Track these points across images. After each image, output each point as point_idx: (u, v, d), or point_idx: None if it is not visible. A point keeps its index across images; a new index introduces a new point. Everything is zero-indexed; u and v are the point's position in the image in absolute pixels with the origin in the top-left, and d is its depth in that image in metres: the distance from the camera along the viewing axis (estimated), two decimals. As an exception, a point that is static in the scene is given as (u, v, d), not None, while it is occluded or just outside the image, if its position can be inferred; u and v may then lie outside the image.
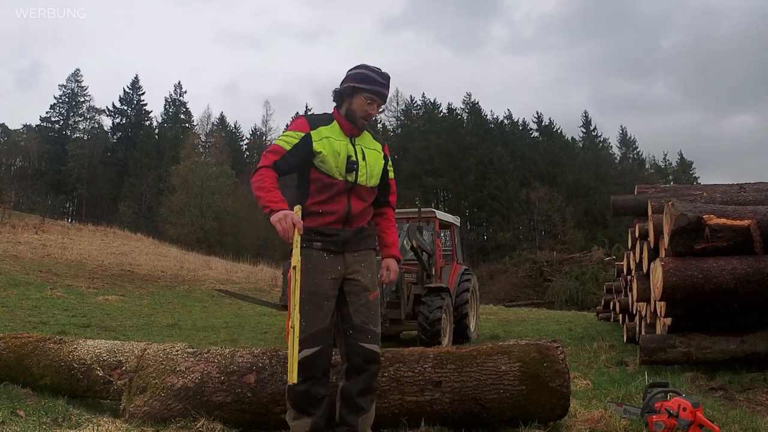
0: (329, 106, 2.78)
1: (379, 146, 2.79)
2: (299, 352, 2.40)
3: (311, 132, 2.62)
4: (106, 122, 58.96)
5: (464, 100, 60.51)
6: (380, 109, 2.72)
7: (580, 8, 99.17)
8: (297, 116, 2.89)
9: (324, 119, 2.70)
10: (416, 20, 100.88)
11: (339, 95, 2.69)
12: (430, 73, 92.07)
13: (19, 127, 57.96)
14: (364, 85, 2.61)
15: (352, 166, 2.61)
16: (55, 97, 58.03)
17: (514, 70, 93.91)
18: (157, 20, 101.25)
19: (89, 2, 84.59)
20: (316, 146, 2.59)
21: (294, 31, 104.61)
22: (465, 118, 58.87)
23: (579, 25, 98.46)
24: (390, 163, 2.87)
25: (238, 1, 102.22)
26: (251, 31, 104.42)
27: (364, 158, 2.67)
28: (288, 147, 2.61)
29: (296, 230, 2.42)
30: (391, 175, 2.87)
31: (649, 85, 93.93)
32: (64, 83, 57.71)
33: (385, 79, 2.65)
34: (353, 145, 2.67)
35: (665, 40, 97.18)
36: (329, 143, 2.60)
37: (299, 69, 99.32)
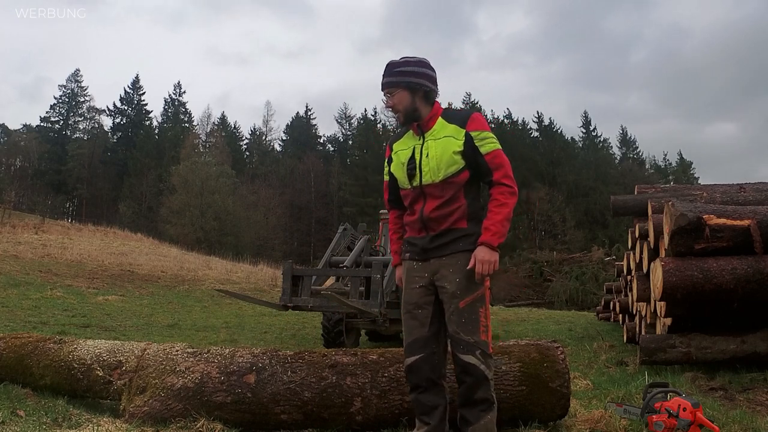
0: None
1: (453, 127, 2.52)
2: (404, 361, 2.57)
3: (391, 154, 2.69)
4: (106, 122, 59.07)
5: (464, 100, 60.60)
6: (392, 95, 2.55)
7: (549, 27, 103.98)
8: None
9: (400, 132, 2.72)
10: (393, 41, 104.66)
11: None
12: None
13: (19, 127, 58.06)
14: None
15: (410, 171, 2.55)
16: (55, 97, 58.14)
17: (493, 84, 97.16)
18: (149, 39, 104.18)
19: (89, 3, 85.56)
20: (391, 167, 2.68)
21: (280, 52, 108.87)
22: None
23: (549, 43, 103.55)
24: (481, 135, 2.49)
25: (225, 25, 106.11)
26: (239, 51, 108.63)
27: (427, 155, 2.51)
28: (387, 177, 2.74)
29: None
30: (487, 148, 2.48)
31: (623, 98, 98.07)
32: (64, 83, 57.81)
33: (385, 67, 2.60)
34: (422, 144, 2.55)
35: (634, 55, 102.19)
36: (397, 158, 2.63)
37: (289, 83, 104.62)
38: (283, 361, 3.06)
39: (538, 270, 32.27)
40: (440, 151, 2.49)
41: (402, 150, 2.63)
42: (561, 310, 20.52)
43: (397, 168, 2.62)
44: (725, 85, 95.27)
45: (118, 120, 59.08)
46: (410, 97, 2.54)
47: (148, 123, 59.05)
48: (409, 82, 2.53)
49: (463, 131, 2.50)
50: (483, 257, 2.42)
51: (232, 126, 63.33)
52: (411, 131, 2.64)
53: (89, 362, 3.21)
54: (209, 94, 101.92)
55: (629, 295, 8.55)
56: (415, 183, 2.55)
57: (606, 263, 27.46)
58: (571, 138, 61.14)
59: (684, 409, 2.82)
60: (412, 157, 2.56)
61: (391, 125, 58.70)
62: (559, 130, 60.95)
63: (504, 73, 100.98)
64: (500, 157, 2.51)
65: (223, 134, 57.82)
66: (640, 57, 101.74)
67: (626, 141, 63.31)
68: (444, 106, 2.67)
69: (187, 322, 11.11)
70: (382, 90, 2.59)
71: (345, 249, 7.98)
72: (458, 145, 2.49)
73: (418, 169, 2.53)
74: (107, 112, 58.58)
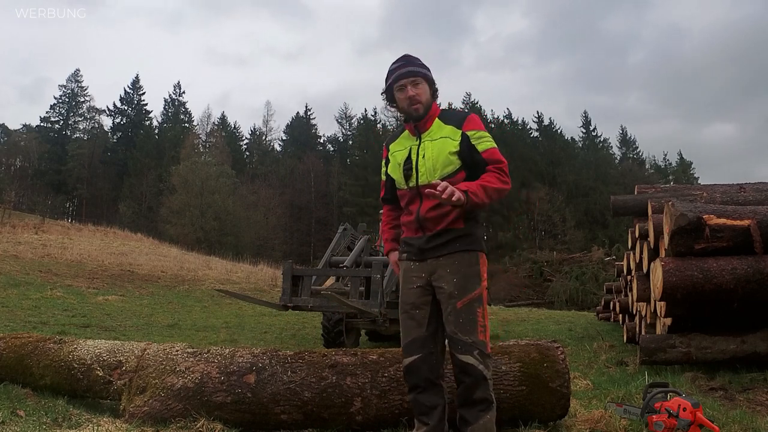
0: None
1: (449, 128, 2.54)
2: (402, 361, 2.57)
3: (388, 155, 2.71)
4: (106, 122, 59.05)
5: (464, 101, 60.61)
6: (417, 84, 2.53)
7: (547, 28, 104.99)
8: None
9: (396, 133, 2.74)
10: (392, 42, 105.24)
11: (392, 104, 2.66)
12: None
13: (19, 127, 58.03)
14: (390, 81, 2.58)
15: (407, 171, 2.56)
16: (55, 98, 58.13)
17: (493, 85, 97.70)
18: (149, 40, 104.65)
19: (89, 3, 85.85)
20: (388, 168, 2.69)
21: (279, 52, 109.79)
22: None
23: (548, 43, 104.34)
24: (478, 134, 2.51)
25: (224, 26, 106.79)
26: (239, 52, 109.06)
27: (424, 155, 2.53)
28: (384, 177, 2.77)
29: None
30: (484, 146, 2.51)
31: (623, 99, 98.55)
32: (64, 83, 57.80)
33: (400, 59, 2.59)
34: (419, 144, 2.56)
35: (634, 55, 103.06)
36: (393, 158, 2.65)
37: (289, 83, 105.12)
38: (283, 361, 3.06)
39: (538, 270, 32.30)
40: (436, 151, 2.51)
41: (398, 151, 2.64)
42: (561, 310, 20.52)
43: (394, 169, 2.63)
44: (725, 85, 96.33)
45: (118, 120, 59.10)
46: (430, 91, 2.59)
47: (148, 123, 59.04)
48: (429, 75, 2.59)
49: (460, 132, 2.52)
50: (453, 188, 2.33)
51: (232, 126, 63.39)
52: (407, 132, 2.65)
53: (89, 362, 3.21)
54: (209, 94, 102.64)
55: (629, 295, 8.55)
56: (412, 183, 2.56)
57: (606, 263, 27.48)
58: (571, 138, 61.27)
59: (684, 409, 2.82)
60: (409, 158, 2.57)
61: (391, 125, 58.74)
62: (559, 130, 61.03)
63: (503, 73, 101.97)
64: (497, 154, 2.53)
65: (223, 134, 57.78)
66: (640, 57, 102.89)
67: (626, 141, 63.31)
68: (444, 107, 2.68)
69: (187, 322, 11.11)
70: (405, 78, 2.53)
71: (345, 249, 7.98)
72: (454, 145, 2.50)
73: (414, 170, 2.54)
74: (107, 112, 58.64)
